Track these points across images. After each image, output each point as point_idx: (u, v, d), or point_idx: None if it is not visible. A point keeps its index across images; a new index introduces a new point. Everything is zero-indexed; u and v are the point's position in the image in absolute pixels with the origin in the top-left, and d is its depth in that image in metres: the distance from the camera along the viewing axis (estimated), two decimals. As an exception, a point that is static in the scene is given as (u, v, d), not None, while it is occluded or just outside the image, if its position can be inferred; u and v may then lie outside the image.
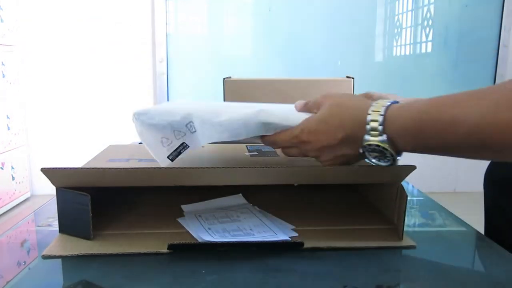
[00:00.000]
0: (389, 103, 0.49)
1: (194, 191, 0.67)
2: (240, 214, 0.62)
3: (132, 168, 0.54)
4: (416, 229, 0.63)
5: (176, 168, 0.55)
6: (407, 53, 2.71)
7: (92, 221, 0.53)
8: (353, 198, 0.71)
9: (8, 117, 2.41)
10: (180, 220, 0.60)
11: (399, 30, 2.69)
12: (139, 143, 0.60)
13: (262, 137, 0.56)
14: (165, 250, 0.51)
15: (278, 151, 0.62)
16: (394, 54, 2.71)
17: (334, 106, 0.53)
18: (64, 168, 0.51)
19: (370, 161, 0.52)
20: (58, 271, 0.49)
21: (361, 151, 0.51)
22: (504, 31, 2.62)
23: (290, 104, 0.58)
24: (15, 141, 2.48)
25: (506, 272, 0.49)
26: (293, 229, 0.57)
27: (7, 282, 0.46)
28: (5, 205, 2.34)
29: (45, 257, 0.50)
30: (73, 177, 0.52)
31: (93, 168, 0.53)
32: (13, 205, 2.43)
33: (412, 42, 2.70)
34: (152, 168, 0.55)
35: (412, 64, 2.71)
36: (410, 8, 2.67)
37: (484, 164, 0.72)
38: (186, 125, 0.56)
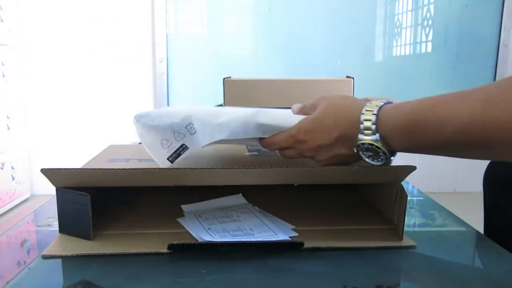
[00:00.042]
0: (382, 103, 0.51)
1: (194, 191, 0.67)
2: (240, 214, 0.62)
3: (132, 168, 0.54)
4: (416, 229, 0.63)
5: (176, 168, 0.55)
6: (407, 53, 2.71)
7: (92, 221, 0.53)
8: (353, 198, 0.71)
9: (8, 117, 2.41)
10: (180, 220, 0.60)
11: (399, 30, 2.69)
12: (139, 143, 0.60)
13: (260, 139, 0.57)
14: (165, 250, 0.51)
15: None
16: (394, 54, 2.71)
17: (329, 106, 0.54)
18: (64, 168, 0.51)
19: (364, 160, 0.52)
20: (58, 271, 0.49)
21: (355, 150, 0.52)
22: (504, 31, 2.62)
23: (287, 109, 0.59)
24: (15, 141, 2.48)
25: (506, 272, 0.49)
26: (293, 229, 0.57)
27: (7, 282, 0.46)
28: (5, 205, 2.34)
29: (45, 257, 0.50)
30: (73, 177, 0.52)
31: (93, 168, 0.53)
32: (13, 205, 2.43)
33: (412, 42, 2.70)
34: (152, 168, 0.56)
35: (412, 64, 2.71)
36: (410, 8, 2.67)
37: (483, 164, 0.72)
38: (186, 127, 0.56)
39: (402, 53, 2.71)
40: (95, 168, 0.53)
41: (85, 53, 2.57)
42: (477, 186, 0.84)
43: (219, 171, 0.54)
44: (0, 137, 2.33)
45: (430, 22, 2.66)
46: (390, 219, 0.59)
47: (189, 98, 2.67)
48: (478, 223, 0.68)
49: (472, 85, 0.45)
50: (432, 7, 2.65)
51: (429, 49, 2.69)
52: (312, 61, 2.64)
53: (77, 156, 1.19)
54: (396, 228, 0.56)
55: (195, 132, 0.56)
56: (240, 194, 0.69)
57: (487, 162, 0.75)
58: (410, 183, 0.87)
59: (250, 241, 0.53)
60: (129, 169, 0.54)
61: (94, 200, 0.52)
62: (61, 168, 0.50)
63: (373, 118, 0.49)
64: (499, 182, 0.72)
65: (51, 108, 2.61)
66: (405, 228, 0.55)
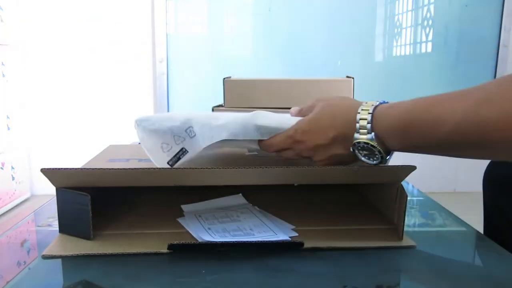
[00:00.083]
0: (378, 103, 0.51)
1: (194, 191, 0.67)
2: (240, 214, 0.62)
3: (132, 168, 0.54)
4: (416, 229, 0.63)
5: (176, 168, 0.55)
6: (407, 53, 2.71)
7: (92, 221, 0.53)
8: (353, 198, 0.71)
9: (8, 117, 2.41)
10: (180, 220, 0.60)
11: (399, 30, 2.69)
12: (139, 143, 0.60)
13: (259, 142, 0.58)
14: (165, 250, 0.51)
15: None
16: (394, 54, 2.71)
17: (326, 107, 0.55)
18: (64, 168, 0.51)
19: (360, 159, 0.53)
20: (58, 271, 0.49)
21: (351, 150, 0.52)
22: (504, 31, 2.62)
23: (286, 113, 0.60)
24: (15, 141, 2.48)
25: (506, 272, 0.49)
26: (293, 229, 0.57)
27: (7, 282, 0.46)
28: (5, 205, 2.34)
29: (45, 257, 0.50)
30: (73, 177, 0.52)
31: (93, 168, 0.53)
32: (13, 205, 2.43)
33: (412, 42, 2.70)
34: (152, 168, 0.56)
35: (412, 64, 2.71)
36: (410, 8, 2.67)
37: (483, 164, 0.72)
38: (186, 130, 0.57)
39: (402, 53, 2.71)
40: (95, 168, 0.53)
41: (85, 53, 2.56)
42: (477, 186, 0.84)
43: (219, 171, 0.54)
44: (0, 137, 2.33)
45: (430, 22, 2.66)
46: (390, 219, 0.59)
47: (189, 98, 2.67)
48: (478, 223, 0.68)
49: (472, 85, 0.45)
50: (432, 7, 2.65)
51: (429, 49, 2.69)
52: (312, 61, 2.64)
53: (77, 156, 1.19)
54: (396, 228, 0.56)
55: (194, 135, 0.57)
56: (240, 194, 0.69)
57: (487, 162, 0.75)
58: (410, 183, 0.87)
59: (250, 241, 0.53)
60: (129, 169, 0.54)
61: (94, 200, 0.52)
62: (61, 168, 0.50)
63: (369, 117, 0.50)
64: (499, 182, 0.72)
65: (51, 108, 2.61)
66: (405, 228, 0.55)
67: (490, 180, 0.75)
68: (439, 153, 0.49)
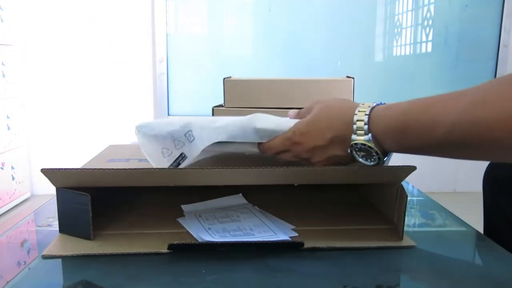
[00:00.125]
0: (375, 104, 0.51)
1: (194, 191, 0.67)
2: (240, 214, 0.62)
3: (132, 168, 0.54)
4: (416, 229, 0.63)
5: (176, 168, 0.55)
6: (407, 53, 2.71)
7: (92, 221, 0.53)
8: (353, 198, 0.71)
9: (8, 117, 2.41)
10: (180, 220, 0.60)
11: (399, 30, 2.69)
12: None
13: (258, 145, 0.58)
14: (165, 250, 0.51)
15: None
16: (394, 54, 2.71)
17: (323, 108, 0.55)
18: (64, 168, 0.51)
19: (358, 160, 0.53)
20: (58, 271, 0.49)
21: (349, 151, 0.52)
22: (504, 31, 2.62)
23: (285, 114, 0.60)
24: (15, 141, 2.48)
25: (506, 272, 0.49)
26: (293, 229, 0.57)
27: (7, 282, 0.46)
28: (5, 205, 2.34)
29: (45, 257, 0.50)
30: (73, 177, 0.52)
31: (93, 168, 0.53)
32: (13, 205, 2.43)
33: (412, 42, 2.70)
34: (152, 168, 0.56)
35: (412, 64, 2.71)
36: (410, 8, 2.67)
37: (483, 164, 0.72)
38: (185, 134, 0.57)
39: (402, 53, 2.71)
40: (95, 168, 0.53)
41: (85, 53, 2.56)
42: (477, 186, 0.84)
43: (219, 171, 0.54)
44: (0, 137, 2.33)
45: (430, 22, 2.66)
46: (390, 219, 0.59)
47: (189, 98, 2.67)
48: (478, 223, 0.68)
49: (472, 85, 0.45)
50: (432, 7, 2.65)
51: (429, 49, 2.69)
52: (312, 61, 2.64)
53: (77, 156, 1.19)
54: (396, 228, 0.56)
55: (193, 139, 0.57)
56: (240, 194, 0.69)
57: (487, 162, 0.75)
58: (410, 183, 0.87)
59: (250, 241, 0.53)
60: (129, 169, 0.54)
61: (94, 200, 0.52)
62: (61, 168, 0.50)
63: (365, 118, 0.50)
64: (499, 182, 0.72)
65: (51, 108, 2.61)
66: (405, 228, 0.55)
67: (490, 180, 0.75)
68: (436, 154, 0.48)
